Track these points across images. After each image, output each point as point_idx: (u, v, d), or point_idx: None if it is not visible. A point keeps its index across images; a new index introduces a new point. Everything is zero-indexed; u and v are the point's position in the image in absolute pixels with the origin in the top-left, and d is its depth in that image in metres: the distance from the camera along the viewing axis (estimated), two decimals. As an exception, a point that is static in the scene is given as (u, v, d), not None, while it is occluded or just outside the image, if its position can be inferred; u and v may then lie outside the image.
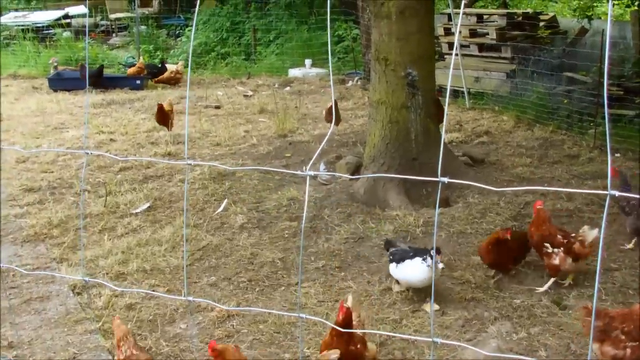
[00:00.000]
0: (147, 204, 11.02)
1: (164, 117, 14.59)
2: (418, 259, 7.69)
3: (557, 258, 8.13)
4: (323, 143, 3.81)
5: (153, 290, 8.29)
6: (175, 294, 8.20)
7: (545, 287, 8.19)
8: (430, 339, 3.09)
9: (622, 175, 9.98)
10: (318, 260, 9.01)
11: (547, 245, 8.23)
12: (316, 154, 3.75)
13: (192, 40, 4.25)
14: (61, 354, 7.09)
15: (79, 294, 8.35)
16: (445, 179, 3.25)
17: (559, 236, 8.21)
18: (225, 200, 10.94)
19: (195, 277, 8.70)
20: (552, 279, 8.23)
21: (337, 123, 14.36)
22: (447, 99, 3.46)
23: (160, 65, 22.15)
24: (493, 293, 8.05)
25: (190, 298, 3.59)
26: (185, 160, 3.60)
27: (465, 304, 7.82)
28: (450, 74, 3.56)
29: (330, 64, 4.80)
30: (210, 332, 7.42)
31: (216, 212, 10.63)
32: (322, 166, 12.09)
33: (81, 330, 7.55)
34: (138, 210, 10.85)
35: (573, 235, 8.20)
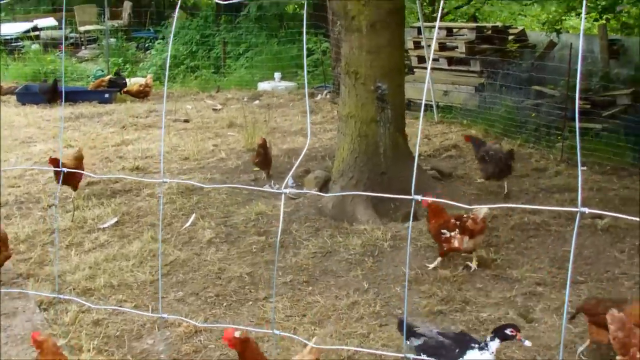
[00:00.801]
0: (115, 219, 10.97)
1: (66, 175, 10.90)
2: (475, 352, 6.07)
3: (456, 240, 8.76)
4: (297, 162, 3.83)
5: (120, 306, 8.26)
6: (143, 310, 8.18)
7: (435, 263, 9.05)
8: (402, 355, 3.09)
9: (473, 138, 12.54)
10: (286, 274, 9.00)
11: (444, 231, 8.86)
12: (290, 172, 3.76)
13: (169, 52, 4.24)
14: (27, 371, 7.05)
15: (45, 310, 8.29)
16: (419, 197, 3.25)
17: (452, 220, 8.86)
18: (193, 215, 10.92)
19: (162, 292, 8.66)
20: (440, 258, 9.04)
21: (265, 168, 12.61)
22: (421, 113, 3.46)
23: (117, 75, 22.11)
24: (460, 307, 8.09)
25: (165, 315, 3.58)
26: (161, 178, 3.60)
27: (432, 318, 7.85)
28: (426, 87, 3.60)
29: (305, 85, 4.81)
30: (178, 348, 7.39)
31: (184, 227, 10.61)
32: (290, 180, 12.08)
33: (47, 346, 7.50)
34: (106, 225, 10.79)
35: (465, 215, 8.80)
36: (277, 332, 3.46)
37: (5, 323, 8.00)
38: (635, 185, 11.92)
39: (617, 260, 9.19)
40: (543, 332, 7.55)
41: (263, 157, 12.48)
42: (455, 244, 8.79)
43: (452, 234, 8.80)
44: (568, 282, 3.65)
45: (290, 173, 3.53)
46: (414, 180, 3.53)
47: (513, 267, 9.00)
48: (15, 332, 7.83)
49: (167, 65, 4.50)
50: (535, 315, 7.90)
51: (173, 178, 12.73)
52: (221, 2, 6.86)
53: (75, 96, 20.72)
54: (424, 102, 3.80)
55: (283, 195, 3.43)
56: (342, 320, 7.88)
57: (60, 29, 31.90)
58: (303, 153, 4.31)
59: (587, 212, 2.94)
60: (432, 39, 17.98)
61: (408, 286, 8.58)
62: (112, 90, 21.11)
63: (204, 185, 4.28)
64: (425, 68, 17.67)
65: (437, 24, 3.63)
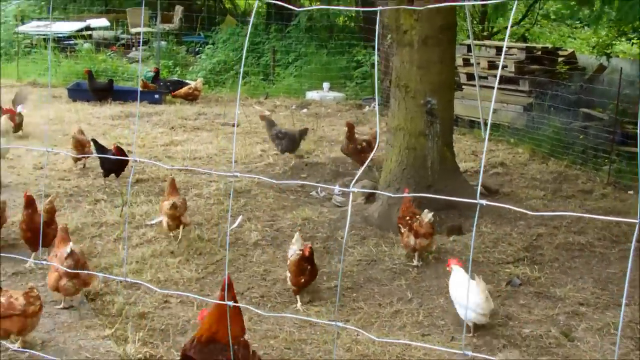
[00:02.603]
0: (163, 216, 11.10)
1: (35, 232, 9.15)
2: None
3: (404, 236, 9.67)
4: (361, 169, 3.90)
5: (165, 301, 8.38)
6: (189, 306, 8.29)
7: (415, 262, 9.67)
8: (462, 352, 3.16)
9: (267, 118, 15.00)
10: (330, 280, 9.09)
11: (400, 226, 9.77)
12: (357, 175, 3.84)
13: (243, 60, 4.35)
14: (73, 358, 7.16)
15: (92, 300, 8.44)
16: (484, 202, 3.29)
17: (407, 217, 9.70)
18: (241, 217, 11.02)
19: (208, 290, 8.78)
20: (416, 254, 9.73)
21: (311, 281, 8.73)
22: (487, 132, 3.51)
23: (154, 74, 22.41)
24: (502, 321, 8.12)
25: (230, 303, 3.68)
26: (232, 172, 3.70)
27: (474, 331, 7.89)
28: (492, 106, 3.66)
29: (376, 92, 4.90)
30: (222, 345, 7.48)
31: (231, 228, 10.72)
32: (337, 188, 12.18)
33: (94, 335, 7.63)
34: (153, 222, 10.92)
35: (418, 216, 9.64)
36: (339, 323, 3.53)
37: (53, 310, 8.15)
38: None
39: (663, 284, 9.18)
40: (585, 351, 7.57)
41: (310, 273, 8.66)
42: (406, 239, 9.62)
43: (405, 230, 9.68)
44: (622, 309, 3.70)
45: (357, 175, 3.48)
46: (479, 181, 3.57)
47: (557, 286, 9.03)
48: (62, 320, 7.97)
49: (242, 69, 4.60)
50: (577, 334, 7.92)
51: (220, 180, 12.87)
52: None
53: (125, 96, 20.94)
54: (490, 119, 3.87)
55: (351, 194, 3.51)
56: (385, 328, 7.95)
57: (112, 29, 32.28)
58: (365, 165, 4.35)
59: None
60: (481, 57, 18.06)
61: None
62: (162, 91, 21.31)
63: (276, 182, 4.33)
64: (474, 85, 17.66)
65: (505, 42, 3.62)
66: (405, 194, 9.57)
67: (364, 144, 13.54)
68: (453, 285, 8.13)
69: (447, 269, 8.38)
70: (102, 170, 12.69)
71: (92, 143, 12.88)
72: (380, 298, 8.69)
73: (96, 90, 20.60)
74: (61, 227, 8.57)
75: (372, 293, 8.82)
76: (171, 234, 10.40)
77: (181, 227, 10.29)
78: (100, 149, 12.65)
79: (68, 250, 8.08)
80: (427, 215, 9.48)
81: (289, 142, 14.33)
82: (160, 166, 13.03)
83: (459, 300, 7.91)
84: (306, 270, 8.48)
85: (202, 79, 23.05)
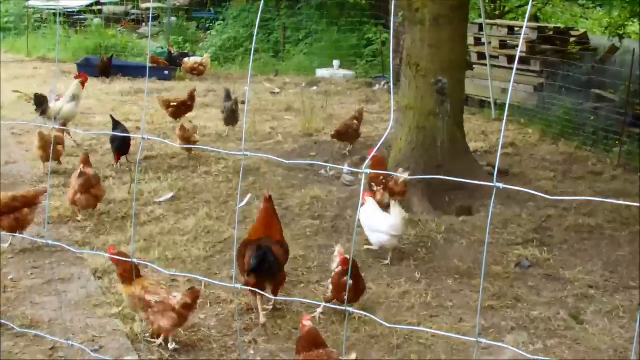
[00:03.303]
0: (171, 194, 11.07)
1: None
2: None
3: (379, 194, 10.02)
4: (379, 144, 3.86)
5: (173, 280, 8.35)
6: (195, 284, 8.25)
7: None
8: (475, 339, 3.12)
9: (226, 90, 15.31)
10: (338, 260, 9.05)
11: (373, 184, 10.14)
12: (376, 148, 3.79)
13: (255, 36, 4.30)
14: (80, 336, 7.13)
15: (100, 278, 8.42)
16: (501, 185, 3.23)
17: (381, 177, 10.06)
18: (249, 195, 10.97)
19: (215, 269, 8.74)
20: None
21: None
22: (505, 113, 3.45)
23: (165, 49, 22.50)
24: (511, 303, 8.08)
25: (238, 286, 3.63)
26: (242, 151, 3.65)
27: (483, 312, 7.85)
28: (511, 86, 3.61)
29: (391, 71, 4.84)
30: (229, 324, 7.45)
31: (239, 206, 10.68)
32: (346, 168, 12.13)
33: (101, 313, 7.60)
34: (162, 200, 10.90)
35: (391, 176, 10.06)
36: (350, 309, 3.48)
37: (60, 288, 8.13)
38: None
39: (673, 267, 9.12)
40: (593, 334, 7.52)
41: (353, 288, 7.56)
42: (378, 197, 9.87)
43: (377, 188, 10.09)
44: None
45: (376, 148, 3.40)
46: (497, 162, 3.52)
47: (566, 268, 8.97)
48: (69, 298, 7.95)
49: (254, 45, 4.54)
50: (586, 317, 7.87)
51: (229, 157, 12.83)
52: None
53: (135, 71, 20.90)
54: (509, 99, 3.81)
55: (364, 175, 3.47)
56: (393, 309, 7.92)
57: (122, 4, 32.20)
58: (382, 139, 4.30)
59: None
60: (493, 36, 17.94)
61: (459, 279, 8.61)
62: (172, 67, 21.28)
63: (284, 161, 4.24)
64: (485, 65, 17.56)
65: (525, 23, 3.58)
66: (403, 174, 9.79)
67: (355, 122, 13.50)
68: (365, 214, 9.05)
69: (362, 201, 9.16)
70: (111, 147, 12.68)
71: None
72: (388, 278, 8.64)
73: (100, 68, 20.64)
74: (83, 155, 10.63)
75: (381, 273, 8.78)
76: (185, 154, 12.67)
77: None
78: (117, 125, 12.62)
79: (79, 170, 10.01)
80: (402, 175, 9.75)
81: (227, 116, 14.75)
82: (168, 144, 12.97)
83: (373, 226, 8.94)
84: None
85: (208, 54, 23.03)
